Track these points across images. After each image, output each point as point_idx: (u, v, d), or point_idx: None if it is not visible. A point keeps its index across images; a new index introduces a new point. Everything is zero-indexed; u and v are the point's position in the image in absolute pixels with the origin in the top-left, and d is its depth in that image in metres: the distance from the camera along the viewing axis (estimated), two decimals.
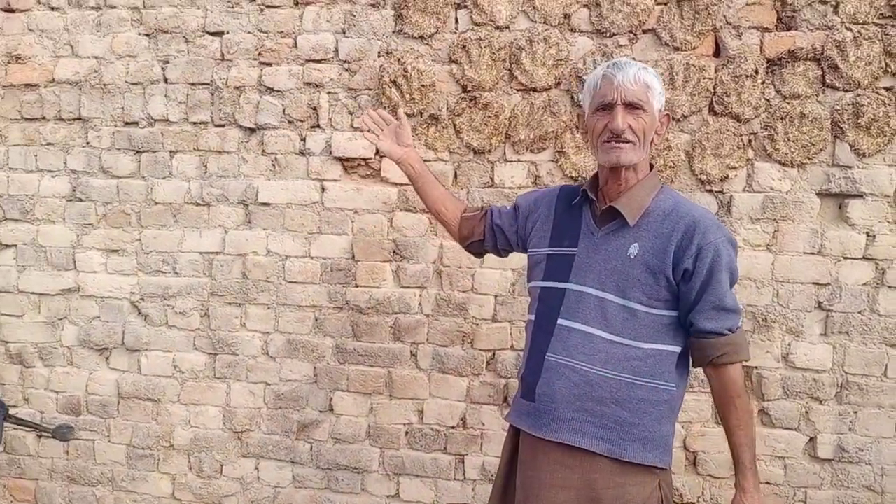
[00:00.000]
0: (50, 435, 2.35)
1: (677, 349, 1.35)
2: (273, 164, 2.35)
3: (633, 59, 1.92)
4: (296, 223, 2.33)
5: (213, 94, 2.36)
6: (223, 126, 2.36)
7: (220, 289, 2.38)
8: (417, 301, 2.25)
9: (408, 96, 2.22)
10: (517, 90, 2.18)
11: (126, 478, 2.50)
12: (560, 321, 1.36)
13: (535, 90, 2.16)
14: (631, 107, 1.30)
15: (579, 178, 2.13)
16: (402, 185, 2.26)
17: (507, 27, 2.17)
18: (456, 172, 2.24)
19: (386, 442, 2.28)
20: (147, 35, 2.39)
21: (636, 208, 1.34)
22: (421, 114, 2.24)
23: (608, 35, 2.12)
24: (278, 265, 2.34)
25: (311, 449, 2.34)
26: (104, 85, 2.43)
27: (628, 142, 1.30)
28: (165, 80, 2.39)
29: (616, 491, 1.30)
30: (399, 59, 2.22)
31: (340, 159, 2.30)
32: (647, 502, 1.33)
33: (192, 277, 2.40)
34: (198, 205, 2.39)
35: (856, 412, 2.10)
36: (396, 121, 1.73)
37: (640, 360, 1.32)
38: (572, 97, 2.14)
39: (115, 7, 2.40)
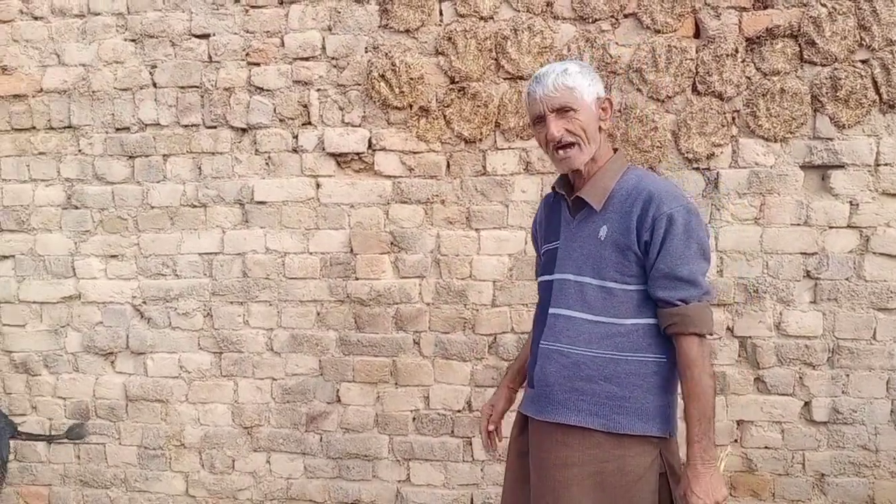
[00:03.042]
0: (64, 438, 2.71)
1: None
2: (267, 163, 2.66)
3: (569, 58, 2.13)
4: (293, 220, 2.65)
5: (202, 97, 2.66)
6: (215, 127, 2.66)
7: (221, 288, 2.70)
8: (417, 290, 2.58)
9: (397, 90, 2.53)
10: (504, 79, 2.48)
11: (139, 478, 2.84)
12: (550, 310, 1.58)
13: (522, 78, 2.46)
14: (561, 111, 1.50)
15: None
16: (396, 177, 2.58)
17: (492, 17, 2.46)
18: (448, 162, 2.55)
19: (394, 429, 2.63)
20: (133, 40, 2.68)
21: (600, 193, 1.54)
22: (411, 106, 2.54)
23: (591, 21, 2.42)
24: (278, 262, 2.66)
25: (320, 440, 2.68)
26: (93, 92, 2.72)
27: (571, 145, 1.51)
28: (154, 85, 2.69)
29: (616, 463, 1.50)
30: (386, 54, 2.52)
31: (333, 155, 2.61)
32: (649, 472, 1.51)
33: (193, 278, 2.72)
34: (194, 206, 2.70)
35: (848, 375, 2.43)
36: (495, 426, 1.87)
37: (622, 336, 1.50)
38: None
39: (99, 14, 2.68)
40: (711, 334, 1.54)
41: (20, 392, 2.89)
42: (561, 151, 1.53)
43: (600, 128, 1.56)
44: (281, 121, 2.60)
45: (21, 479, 2.92)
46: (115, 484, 2.84)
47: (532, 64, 2.42)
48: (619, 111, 2.38)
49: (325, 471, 2.66)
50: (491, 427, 1.84)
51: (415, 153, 2.53)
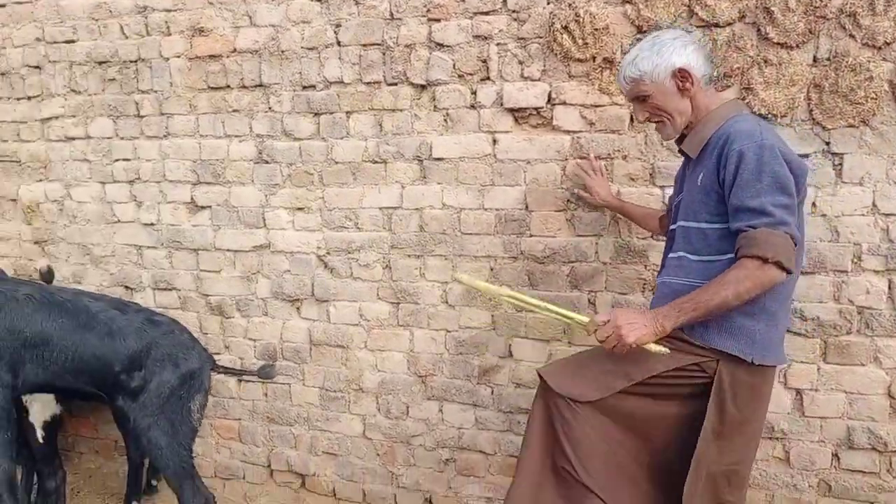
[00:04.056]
0: (255, 376, 3.25)
1: None
2: (445, 120, 2.97)
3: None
4: (469, 176, 2.95)
5: (384, 54, 3.00)
6: (395, 84, 3.01)
7: (399, 242, 3.08)
8: (594, 249, 2.80)
9: (580, 41, 2.71)
10: (698, 27, 2.59)
11: (320, 418, 3.36)
12: (668, 255, 2.05)
13: (717, 25, 2.56)
14: (637, 99, 2.01)
15: (769, 116, 2.52)
16: (575, 132, 2.79)
17: None
18: (632, 116, 2.72)
19: None
20: (319, 0, 3.08)
21: (697, 143, 1.95)
22: (594, 58, 2.72)
23: None
24: (453, 217, 2.99)
25: (492, 393, 3.02)
26: (282, 52, 3.16)
27: (658, 122, 2.02)
28: (338, 43, 3.07)
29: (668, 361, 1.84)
30: (570, 4, 2.70)
31: (511, 110, 2.86)
32: (685, 369, 1.84)
33: (373, 232, 3.13)
34: (375, 162, 3.09)
35: None
36: (597, 167, 2.63)
37: (717, 270, 1.80)
38: (759, 30, 2.52)
39: None
40: (782, 266, 1.70)
41: (215, 332, 3.48)
42: (656, 127, 2.06)
43: (684, 94, 1.94)
44: (460, 76, 2.89)
45: (214, 412, 3.55)
46: (299, 422, 3.37)
47: (729, 10, 2.50)
48: (828, 59, 2.41)
49: (495, 423, 3.01)
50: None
51: (596, 107, 2.72)
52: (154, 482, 3.62)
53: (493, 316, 2.94)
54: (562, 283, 2.82)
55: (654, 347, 1.80)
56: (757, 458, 2.55)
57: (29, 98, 3.70)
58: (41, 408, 3.19)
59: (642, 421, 1.95)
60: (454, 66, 2.88)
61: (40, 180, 3.74)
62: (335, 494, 3.33)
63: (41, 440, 3.18)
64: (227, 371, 3.29)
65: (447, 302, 3.01)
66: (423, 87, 2.95)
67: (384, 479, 3.21)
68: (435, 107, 2.94)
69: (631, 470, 1.99)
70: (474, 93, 2.88)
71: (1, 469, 2.64)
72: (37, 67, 3.65)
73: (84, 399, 3.15)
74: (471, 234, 2.94)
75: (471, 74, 2.87)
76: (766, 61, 2.49)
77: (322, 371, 3.28)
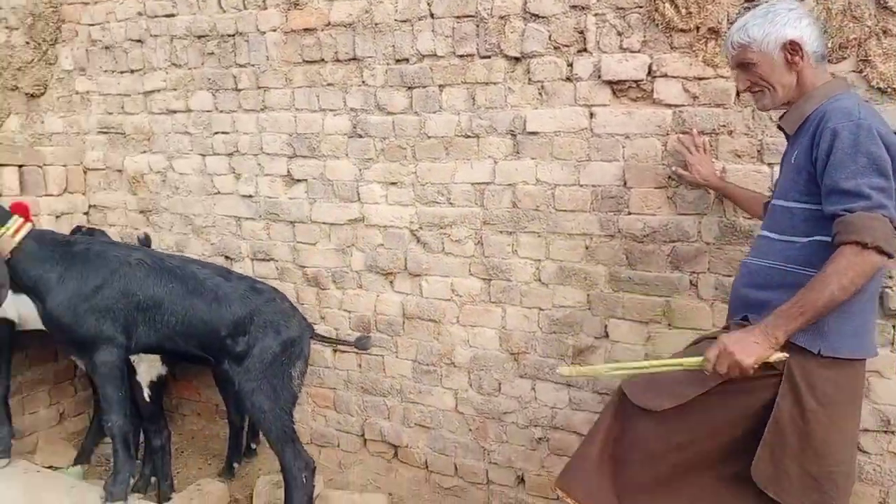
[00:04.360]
0: (352, 345, 3.40)
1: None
2: (539, 93, 2.97)
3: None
4: (564, 151, 2.96)
5: (478, 26, 3.02)
6: (489, 57, 3.03)
7: (491, 217, 3.14)
8: (697, 228, 2.77)
9: (683, 10, 2.64)
10: None
11: (413, 390, 3.50)
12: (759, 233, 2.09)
13: None
14: (741, 66, 1.99)
15: (888, 90, 2.40)
16: (677, 106, 2.74)
17: None
18: (738, 90, 2.64)
19: None
20: None
21: (794, 120, 1.94)
22: (698, 28, 2.65)
23: None
24: (547, 194, 3.01)
25: None
26: (375, 24, 3.23)
27: (756, 92, 2.01)
28: (432, 16, 3.10)
29: None
30: None
31: (610, 83, 2.83)
32: (770, 377, 1.80)
33: (466, 207, 3.19)
34: (468, 137, 3.13)
35: None
36: (700, 143, 2.60)
37: (796, 251, 1.85)
38: None
39: None
40: (882, 251, 1.66)
41: (312, 303, 3.66)
42: (754, 96, 2.05)
43: (793, 69, 1.91)
44: (555, 48, 2.88)
45: (311, 381, 3.75)
46: (392, 394, 3.53)
47: None
48: None
49: (590, 404, 3.06)
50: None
51: (700, 80, 2.66)
52: (254, 445, 3.89)
53: (588, 295, 2.97)
54: (662, 263, 2.82)
55: (773, 358, 1.77)
56: (870, 452, 2.51)
57: (132, 71, 3.94)
58: (147, 368, 3.46)
59: (716, 423, 1.95)
60: (550, 37, 2.87)
61: (144, 152, 4.00)
62: (427, 466, 3.49)
63: (148, 399, 3.46)
64: (325, 340, 3.46)
65: (540, 280, 3.06)
66: (517, 59, 2.96)
67: (476, 455, 3.34)
68: (529, 80, 2.95)
69: (699, 473, 1.99)
70: (570, 65, 2.87)
71: (116, 425, 2.91)
72: (139, 41, 3.88)
73: (190, 361, 3.40)
74: (565, 210, 2.96)
75: (567, 46, 2.86)
76: (885, 31, 2.37)
77: (415, 344, 3.41)
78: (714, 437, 1.95)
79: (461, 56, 3.05)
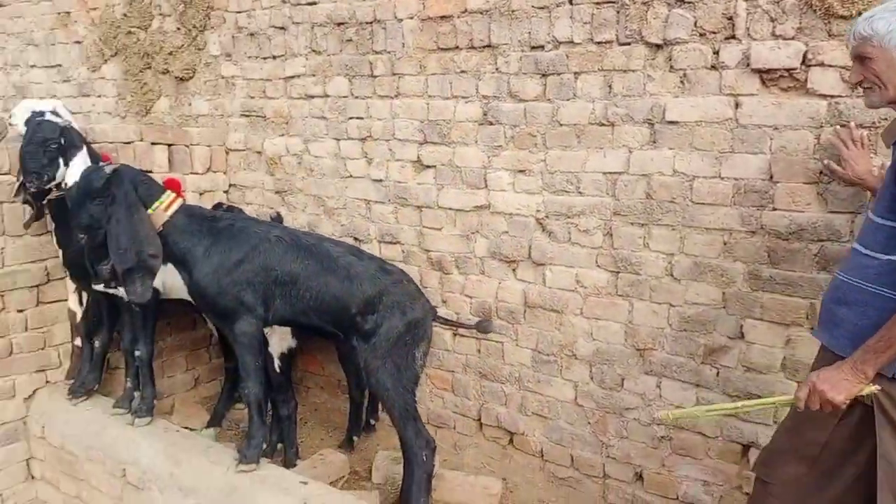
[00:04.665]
0: (473, 329, 3.41)
1: None
2: (681, 81, 2.86)
3: None
4: (705, 142, 2.83)
5: (618, 12, 2.94)
6: (628, 44, 2.94)
7: (623, 208, 3.06)
8: (849, 228, 2.59)
9: None
10: None
11: (531, 379, 3.48)
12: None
13: None
14: (859, 58, 1.89)
15: None
16: (833, 97, 2.55)
17: None
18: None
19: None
20: None
21: (892, 131, 1.93)
22: (860, 14, 2.47)
23: None
24: (685, 185, 2.90)
25: (717, 374, 2.93)
26: (512, 11, 3.21)
27: (866, 88, 1.91)
28: (570, 2, 3.03)
29: None
30: None
31: (759, 71, 2.68)
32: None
33: (596, 197, 3.13)
34: (602, 125, 3.06)
35: None
36: (858, 137, 2.43)
37: (873, 269, 1.82)
38: None
39: None
40: None
41: (434, 287, 3.71)
42: (864, 91, 1.96)
43: None
44: (701, 35, 2.76)
45: (430, 362, 3.80)
46: (510, 381, 3.52)
47: None
48: None
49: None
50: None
51: None
52: (373, 421, 3.99)
53: (724, 293, 2.85)
54: (807, 262, 2.66)
55: (865, 391, 1.78)
56: None
57: (274, 57, 4.11)
58: (279, 340, 3.61)
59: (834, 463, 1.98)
60: (695, 23, 2.76)
61: (282, 135, 4.17)
62: (542, 456, 3.47)
63: (278, 370, 3.61)
64: (448, 323, 3.50)
65: (672, 275, 2.96)
66: (658, 46, 2.86)
67: (594, 448, 3.28)
68: (671, 67, 2.85)
69: None
70: (716, 52, 2.74)
71: (252, 392, 3.05)
72: (282, 28, 4.03)
73: (320, 336, 3.51)
74: (703, 203, 2.85)
75: (714, 33, 2.73)
76: None
77: (535, 333, 3.38)
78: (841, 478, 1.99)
79: (599, 43, 2.99)
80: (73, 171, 2.99)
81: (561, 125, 3.14)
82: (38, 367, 3.68)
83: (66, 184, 3.03)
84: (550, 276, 3.29)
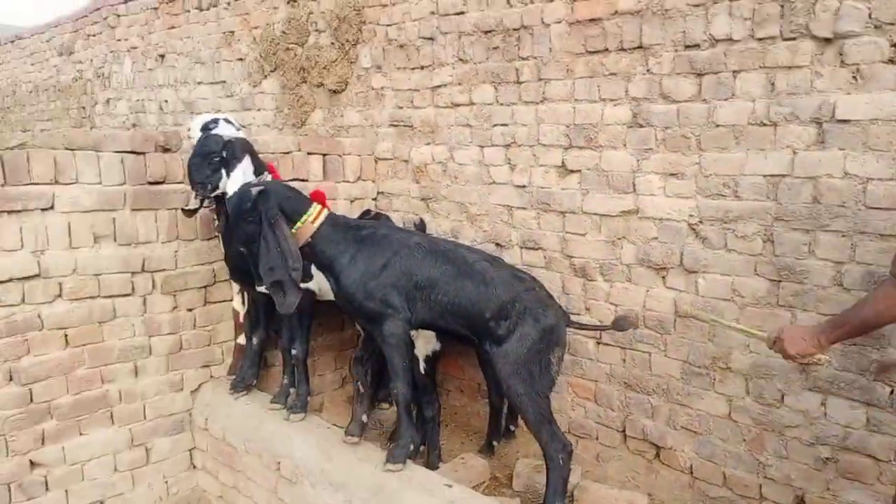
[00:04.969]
0: (610, 328, 3.28)
1: None
2: (854, 77, 2.65)
3: None
4: (882, 141, 2.61)
5: (782, 6, 2.77)
6: (793, 39, 2.77)
7: (786, 213, 2.87)
8: None
9: None
10: None
11: (681, 392, 3.34)
12: None
13: None
14: None
15: None
16: None
17: None
18: None
19: None
20: None
21: None
22: None
23: None
24: (857, 189, 2.68)
25: (891, 393, 2.70)
26: (665, 10, 3.11)
27: None
28: None
29: None
30: None
31: None
32: None
33: (755, 201, 2.96)
34: (763, 125, 2.90)
35: None
36: None
37: None
38: None
39: None
40: None
41: (577, 294, 3.65)
42: None
43: None
44: (876, 27, 2.57)
45: (572, 370, 3.74)
46: (657, 393, 3.40)
47: None
48: None
49: (892, 427, 2.69)
50: None
51: None
52: (512, 427, 3.97)
53: None
54: None
55: (816, 358, 2.15)
56: None
57: (422, 68, 4.22)
58: (424, 343, 3.67)
59: None
60: (870, 15, 2.57)
61: (428, 143, 4.26)
62: (692, 472, 3.32)
63: (423, 372, 3.67)
64: (583, 327, 3.42)
65: (841, 284, 2.75)
66: (827, 40, 2.68)
67: (749, 467, 3.10)
68: (842, 62, 2.66)
69: None
70: (894, 45, 2.53)
71: (401, 393, 3.12)
72: (430, 39, 4.13)
73: (456, 339, 3.54)
74: (878, 208, 2.63)
75: (891, 24, 2.53)
76: None
77: (686, 344, 3.25)
78: None
79: (760, 39, 2.84)
80: (232, 182, 3.20)
81: (717, 126, 3.01)
82: (203, 362, 3.93)
83: (227, 193, 3.24)
84: (704, 283, 3.15)
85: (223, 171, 3.22)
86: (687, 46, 3.05)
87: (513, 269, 3.30)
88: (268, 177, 3.37)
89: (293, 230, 2.92)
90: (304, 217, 2.97)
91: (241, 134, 3.56)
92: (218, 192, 3.26)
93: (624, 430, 3.55)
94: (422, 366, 3.62)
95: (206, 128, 3.47)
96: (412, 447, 3.17)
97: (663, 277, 3.29)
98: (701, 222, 3.11)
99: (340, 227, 3.07)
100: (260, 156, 3.83)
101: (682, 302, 3.22)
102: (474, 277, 3.05)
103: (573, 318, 3.37)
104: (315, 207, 3.03)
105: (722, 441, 3.17)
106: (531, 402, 2.98)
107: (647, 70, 3.20)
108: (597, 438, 3.68)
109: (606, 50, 3.33)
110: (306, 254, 2.98)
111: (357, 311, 3.11)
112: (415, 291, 3.05)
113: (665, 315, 3.30)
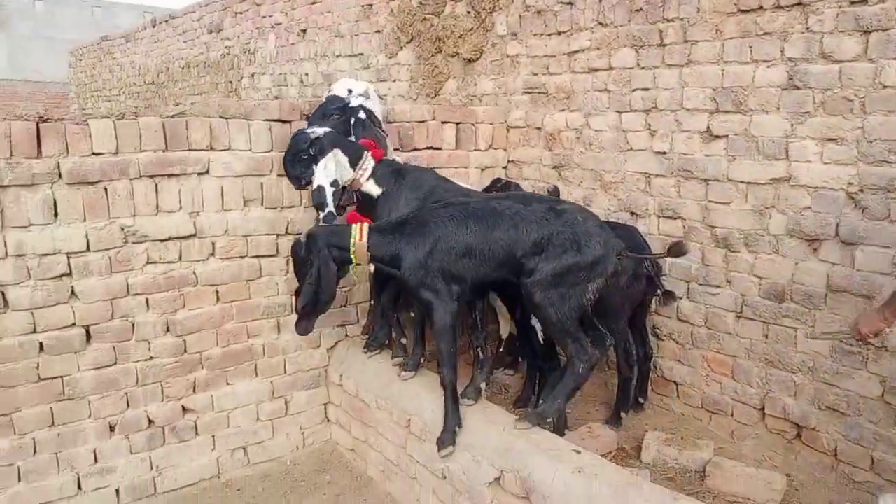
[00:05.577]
0: (666, 256, 3.05)
1: None
2: None
3: None
4: None
5: None
6: None
7: None
8: None
9: None
10: None
11: (828, 370, 3.15)
12: None
13: None
14: None
15: None
16: None
17: None
18: None
19: None
20: None
21: None
22: None
23: None
24: None
25: None
26: None
27: None
28: None
29: None
30: None
31: None
32: None
33: None
34: None
35: None
36: None
37: None
38: None
39: None
40: None
41: (718, 265, 3.51)
42: None
43: None
44: None
45: (707, 345, 3.62)
46: (802, 371, 3.23)
47: None
48: None
49: None
50: None
51: None
52: (641, 400, 3.90)
53: None
54: None
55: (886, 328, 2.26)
56: None
57: (559, 33, 4.16)
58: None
59: None
60: None
61: (563, 110, 4.21)
62: (836, 454, 3.14)
63: (542, 341, 3.65)
64: (637, 256, 3.22)
65: None
66: None
67: None
68: None
69: None
70: None
71: (448, 378, 3.13)
72: (569, 3, 4.07)
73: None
74: None
75: None
76: None
77: (837, 321, 3.07)
78: None
79: None
80: (318, 174, 3.29)
81: (885, 87, 2.80)
82: (340, 321, 4.08)
83: (312, 182, 3.33)
84: (861, 256, 2.96)
85: (314, 166, 3.34)
86: (852, 2, 2.85)
87: (553, 203, 3.10)
88: (369, 161, 3.42)
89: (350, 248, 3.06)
90: (352, 241, 3.07)
91: (377, 106, 3.64)
92: (313, 185, 3.36)
93: (763, 408, 3.40)
94: (540, 335, 3.61)
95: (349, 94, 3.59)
96: (458, 430, 3.16)
97: (815, 249, 3.11)
98: (861, 191, 2.91)
99: (386, 233, 3.13)
100: (396, 125, 3.90)
101: (836, 275, 3.03)
102: (503, 224, 2.99)
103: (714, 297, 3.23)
104: (355, 229, 3.08)
105: (872, 424, 2.98)
106: (559, 323, 2.89)
107: (807, 28, 3.01)
108: (732, 415, 3.55)
109: (761, 8, 3.16)
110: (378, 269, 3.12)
111: (415, 299, 3.18)
112: (458, 262, 3.05)
113: (815, 289, 3.13)
